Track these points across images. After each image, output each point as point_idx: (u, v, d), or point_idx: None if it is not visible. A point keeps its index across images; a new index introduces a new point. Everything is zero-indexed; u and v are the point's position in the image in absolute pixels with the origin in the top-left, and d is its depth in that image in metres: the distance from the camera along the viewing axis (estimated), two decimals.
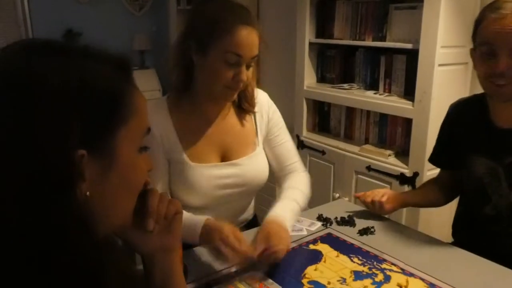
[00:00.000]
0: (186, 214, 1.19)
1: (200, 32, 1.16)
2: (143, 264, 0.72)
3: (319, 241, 1.24)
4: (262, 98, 1.38)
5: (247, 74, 1.19)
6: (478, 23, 1.15)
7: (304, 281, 1.06)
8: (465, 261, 1.15)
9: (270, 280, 1.05)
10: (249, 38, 1.15)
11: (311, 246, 1.22)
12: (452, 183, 1.42)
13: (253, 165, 1.32)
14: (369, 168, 2.25)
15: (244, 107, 1.32)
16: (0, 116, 0.48)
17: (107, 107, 0.54)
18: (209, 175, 1.25)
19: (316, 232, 1.29)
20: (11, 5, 3.73)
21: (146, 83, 4.09)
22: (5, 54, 0.53)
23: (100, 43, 0.58)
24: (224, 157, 1.30)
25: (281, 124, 1.41)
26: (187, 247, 1.14)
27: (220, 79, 1.16)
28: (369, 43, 2.29)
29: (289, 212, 1.22)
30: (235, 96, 1.25)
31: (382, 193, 1.38)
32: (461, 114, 1.34)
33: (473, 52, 1.20)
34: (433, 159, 1.48)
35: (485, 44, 1.13)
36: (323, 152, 2.51)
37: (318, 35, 2.56)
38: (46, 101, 0.49)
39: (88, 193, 0.52)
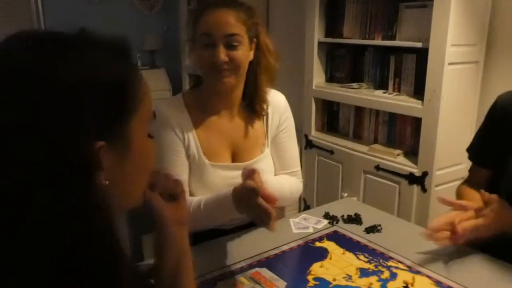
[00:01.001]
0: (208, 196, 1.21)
1: (188, 28, 1.25)
2: (158, 243, 0.76)
3: (325, 239, 1.24)
4: (278, 100, 1.38)
5: (233, 54, 1.19)
6: None
7: (309, 277, 1.05)
8: (473, 259, 1.14)
9: (275, 276, 1.05)
10: (218, 17, 1.18)
11: (317, 244, 1.21)
12: (485, 183, 1.29)
13: (262, 166, 1.31)
14: (377, 167, 2.23)
15: (255, 108, 1.32)
16: (16, 115, 0.48)
17: (119, 99, 0.55)
18: (222, 174, 1.26)
19: (322, 230, 1.29)
20: (25, 5, 3.79)
21: (156, 83, 4.12)
22: (9, 47, 0.53)
23: (98, 32, 0.58)
24: (234, 157, 1.31)
25: (292, 131, 1.41)
26: (193, 242, 1.15)
27: (202, 63, 1.21)
28: (379, 42, 2.28)
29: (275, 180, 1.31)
30: (231, 82, 1.22)
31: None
32: (509, 109, 1.22)
33: None
34: (476, 158, 1.33)
35: None
36: (331, 152, 2.50)
37: (327, 34, 2.56)
38: (57, 96, 0.49)
39: (107, 182, 0.53)
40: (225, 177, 1.26)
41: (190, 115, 1.26)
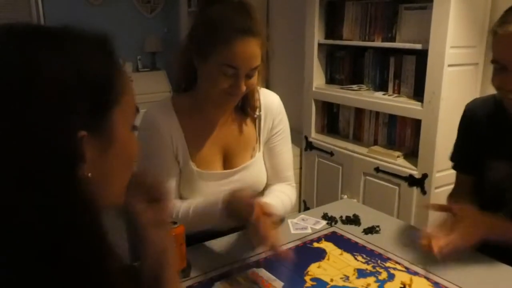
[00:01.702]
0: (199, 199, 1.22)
1: (200, 38, 1.14)
2: (140, 244, 0.75)
3: (323, 239, 1.23)
4: (271, 101, 1.33)
5: (249, 83, 1.16)
6: (492, 36, 1.09)
7: (307, 278, 1.05)
8: (471, 261, 1.13)
9: (273, 277, 1.05)
10: (247, 50, 1.11)
11: (315, 244, 1.21)
12: (472, 189, 1.33)
13: (252, 172, 1.30)
14: (377, 169, 2.23)
15: (246, 110, 1.30)
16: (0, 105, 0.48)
17: (101, 90, 0.55)
18: (212, 183, 1.25)
19: (321, 231, 1.29)
20: (25, 7, 3.80)
21: (157, 85, 4.12)
22: None
23: (79, 26, 0.58)
24: (225, 162, 1.29)
25: (285, 134, 1.36)
26: (191, 243, 1.15)
27: (217, 87, 1.14)
28: (379, 43, 2.28)
29: (280, 204, 1.26)
30: (237, 102, 1.23)
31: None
32: (478, 115, 1.28)
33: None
34: (459, 165, 1.38)
35: (496, 62, 1.09)
36: (331, 154, 2.50)
37: (327, 36, 2.56)
38: (42, 87, 0.49)
39: (90, 174, 0.53)
40: (214, 185, 1.24)
41: (179, 120, 1.22)
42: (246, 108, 1.30)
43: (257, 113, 1.31)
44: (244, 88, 1.15)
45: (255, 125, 1.32)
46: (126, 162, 0.62)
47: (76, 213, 0.50)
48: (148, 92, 3.70)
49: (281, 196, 1.30)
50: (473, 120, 1.30)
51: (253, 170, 1.30)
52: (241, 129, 1.30)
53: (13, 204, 0.47)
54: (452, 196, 1.39)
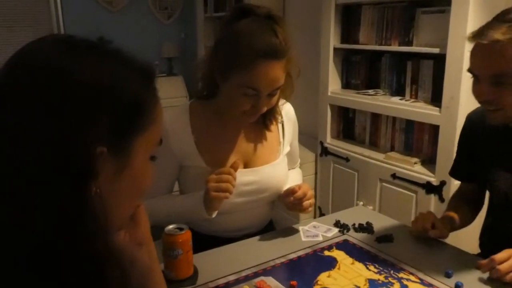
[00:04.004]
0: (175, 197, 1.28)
1: (223, 56, 1.12)
2: (122, 265, 0.70)
3: (334, 248, 1.20)
4: (289, 111, 1.38)
5: (271, 102, 1.16)
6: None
7: (316, 287, 1.02)
8: (486, 273, 1.08)
9: (281, 286, 1.02)
10: (269, 74, 1.09)
11: (326, 253, 1.18)
12: (476, 195, 1.36)
13: (274, 173, 1.30)
14: (394, 176, 2.18)
15: (267, 124, 1.31)
16: (32, 107, 0.49)
17: (131, 113, 0.56)
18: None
19: (332, 239, 1.25)
20: (46, 14, 3.88)
21: (174, 90, 4.15)
22: (43, 47, 0.54)
23: (130, 50, 0.60)
24: (247, 165, 1.28)
25: (297, 133, 1.43)
26: (198, 250, 1.13)
27: (237, 107, 1.15)
28: (395, 48, 2.24)
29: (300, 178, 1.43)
30: (256, 119, 1.22)
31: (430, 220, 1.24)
32: (478, 124, 1.27)
33: None
34: (454, 173, 1.42)
35: (470, 72, 1.09)
36: (347, 159, 2.46)
37: (343, 41, 2.53)
38: (77, 97, 0.50)
39: (98, 190, 0.52)
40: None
41: (191, 122, 1.23)
42: (267, 122, 1.31)
43: (279, 120, 1.33)
44: (264, 109, 1.16)
45: (277, 130, 1.35)
46: (136, 189, 0.61)
47: (81, 222, 0.50)
48: (164, 97, 3.65)
49: (299, 171, 1.50)
50: (472, 130, 1.30)
51: (274, 172, 1.30)
52: (264, 132, 1.32)
53: (20, 205, 0.47)
54: (453, 198, 1.42)
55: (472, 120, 1.31)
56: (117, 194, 0.57)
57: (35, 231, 0.47)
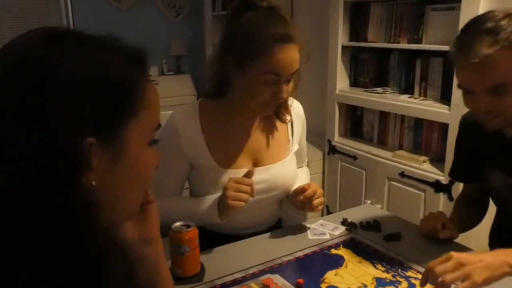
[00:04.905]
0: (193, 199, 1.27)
1: (237, 49, 1.12)
2: (129, 262, 0.70)
3: (341, 246, 1.20)
4: (298, 108, 1.37)
5: (288, 88, 1.16)
6: (453, 63, 1.06)
7: (323, 285, 1.02)
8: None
9: (287, 283, 1.02)
10: (288, 57, 1.10)
11: (333, 251, 1.17)
12: (480, 195, 1.35)
13: (284, 172, 1.29)
14: (402, 174, 2.17)
15: (280, 116, 1.31)
16: (13, 100, 0.48)
17: (118, 100, 0.54)
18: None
19: (339, 237, 1.25)
20: (57, 14, 3.92)
21: (182, 88, 4.16)
22: (25, 39, 0.54)
23: (122, 38, 0.58)
24: (257, 163, 1.27)
25: (305, 132, 1.43)
26: (205, 247, 1.13)
27: (258, 97, 1.14)
28: (404, 45, 2.22)
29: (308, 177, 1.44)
30: (273, 111, 1.24)
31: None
32: (473, 126, 1.24)
33: None
34: (454, 174, 1.42)
35: (462, 87, 1.07)
36: (355, 158, 2.45)
37: (351, 38, 2.52)
38: (58, 88, 0.49)
39: (94, 182, 0.51)
40: None
41: (200, 121, 1.23)
42: (280, 114, 1.31)
43: (288, 118, 1.33)
44: (285, 95, 1.16)
45: (286, 128, 1.34)
46: (137, 177, 0.59)
47: (74, 217, 0.49)
48: (173, 95, 3.75)
49: (306, 170, 1.50)
50: (467, 131, 1.29)
51: (284, 170, 1.30)
52: (273, 131, 1.32)
53: (14, 200, 0.46)
54: (459, 200, 1.42)
55: (467, 121, 1.30)
56: (119, 183, 0.56)
57: (29, 228, 0.46)
